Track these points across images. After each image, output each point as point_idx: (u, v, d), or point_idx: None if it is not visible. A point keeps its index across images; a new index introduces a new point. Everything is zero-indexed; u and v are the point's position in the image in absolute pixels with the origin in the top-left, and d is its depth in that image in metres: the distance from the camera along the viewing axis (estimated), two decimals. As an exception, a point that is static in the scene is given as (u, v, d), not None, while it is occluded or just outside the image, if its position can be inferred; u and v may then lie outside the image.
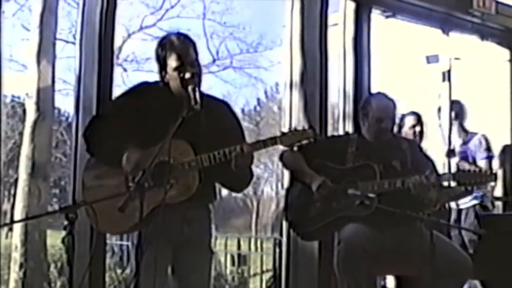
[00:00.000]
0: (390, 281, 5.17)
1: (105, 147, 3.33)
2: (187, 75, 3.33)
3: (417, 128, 5.58)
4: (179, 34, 3.43)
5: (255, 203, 20.74)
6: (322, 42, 5.71)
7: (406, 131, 5.54)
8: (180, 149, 3.22)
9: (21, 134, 11.25)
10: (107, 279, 5.83)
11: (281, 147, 3.98)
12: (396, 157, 4.30)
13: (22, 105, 13.12)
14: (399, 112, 5.15)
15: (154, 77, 3.54)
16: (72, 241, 4.62)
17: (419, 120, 5.63)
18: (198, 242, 3.42)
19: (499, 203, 6.99)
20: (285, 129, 3.43)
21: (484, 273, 4.98)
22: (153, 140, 3.20)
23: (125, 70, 15.38)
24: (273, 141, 3.35)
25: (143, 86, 3.52)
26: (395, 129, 4.96)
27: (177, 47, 3.35)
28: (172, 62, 3.35)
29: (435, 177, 4.10)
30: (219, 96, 3.75)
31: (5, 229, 12.47)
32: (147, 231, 3.08)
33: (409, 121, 5.63)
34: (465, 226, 5.78)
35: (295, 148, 4.15)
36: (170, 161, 3.13)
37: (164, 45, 3.39)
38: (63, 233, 4.70)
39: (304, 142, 3.43)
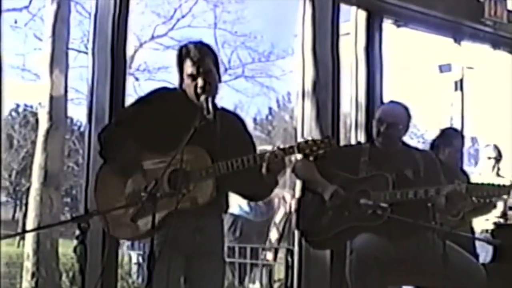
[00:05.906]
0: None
1: (118, 158, 3.34)
2: (200, 83, 3.34)
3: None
4: (198, 43, 3.47)
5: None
6: (334, 51, 5.71)
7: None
8: (197, 155, 3.23)
9: (33, 143, 11.30)
10: (118, 288, 5.82)
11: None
12: (408, 166, 4.28)
13: (35, 114, 13.21)
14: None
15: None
16: (84, 250, 4.62)
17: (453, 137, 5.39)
18: (210, 252, 3.42)
19: (512, 213, 6.93)
20: (302, 139, 3.41)
21: (497, 283, 4.94)
22: (168, 146, 3.20)
23: (137, 79, 15.47)
24: (291, 149, 3.33)
25: (162, 92, 3.55)
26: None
27: (193, 54, 3.39)
28: (187, 69, 3.40)
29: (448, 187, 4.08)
30: (231, 105, 3.77)
31: (17, 238, 12.52)
32: (159, 238, 3.08)
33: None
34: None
35: (311, 158, 4.12)
36: (186, 169, 3.14)
37: (182, 52, 3.43)
38: (75, 242, 4.71)
39: (321, 152, 3.40)
